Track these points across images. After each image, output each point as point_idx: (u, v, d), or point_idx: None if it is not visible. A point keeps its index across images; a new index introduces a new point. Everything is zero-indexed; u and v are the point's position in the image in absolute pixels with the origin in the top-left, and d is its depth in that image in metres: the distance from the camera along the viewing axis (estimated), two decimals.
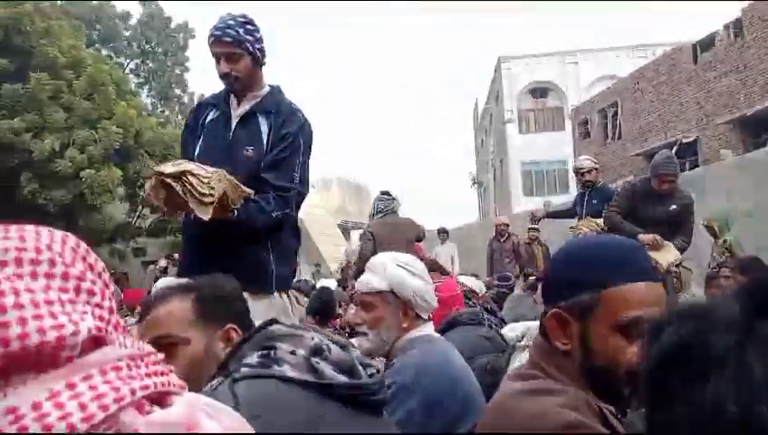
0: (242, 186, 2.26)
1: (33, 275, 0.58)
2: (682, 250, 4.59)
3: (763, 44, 14.07)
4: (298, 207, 2.59)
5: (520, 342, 1.89)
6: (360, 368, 1.23)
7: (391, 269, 1.89)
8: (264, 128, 2.48)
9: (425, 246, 7.11)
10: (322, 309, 4.31)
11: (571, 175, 24.40)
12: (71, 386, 0.55)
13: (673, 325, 0.62)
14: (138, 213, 16.64)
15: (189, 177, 2.10)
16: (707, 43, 15.64)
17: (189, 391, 1.22)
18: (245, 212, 2.30)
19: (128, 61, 22.73)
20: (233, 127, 2.51)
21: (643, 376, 0.63)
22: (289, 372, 1.15)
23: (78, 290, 0.60)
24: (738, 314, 0.57)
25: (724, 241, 6.37)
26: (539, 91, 28.95)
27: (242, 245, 2.39)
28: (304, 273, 23.58)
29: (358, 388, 1.20)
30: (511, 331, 1.98)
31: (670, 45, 19.62)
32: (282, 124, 2.47)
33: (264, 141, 2.46)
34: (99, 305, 0.62)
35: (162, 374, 0.65)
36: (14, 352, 0.53)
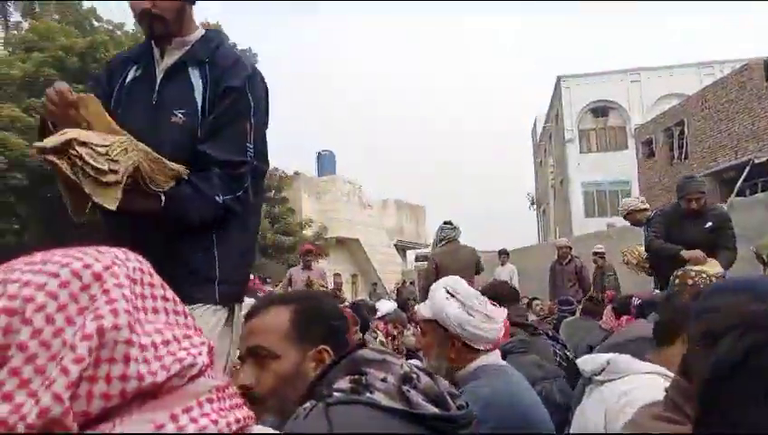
0: (167, 161, 1.68)
1: (155, 311, 0.60)
2: (730, 263, 4.59)
3: None
4: (257, 191, 1.96)
5: (597, 375, 1.72)
6: (449, 398, 1.22)
7: (437, 298, 1.92)
8: (198, 82, 1.85)
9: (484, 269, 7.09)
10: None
11: (634, 195, 23.72)
12: (173, 418, 0.56)
13: (733, 334, 0.56)
14: None
15: (78, 147, 1.44)
16: None
17: (272, 406, 1.31)
18: (176, 198, 1.69)
19: None
20: (157, 86, 1.89)
21: (697, 389, 0.58)
22: (381, 399, 1.13)
23: (187, 322, 0.64)
24: None
25: None
26: (600, 110, 28.36)
27: (173, 243, 1.77)
28: (361, 293, 23.76)
29: (449, 420, 1.17)
30: (589, 363, 1.78)
31: (738, 62, 18.93)
32: (221, 76, 1.85)
33: (199, 101, 1.83)
34: (197, 330, 0.65)
35: (242, 407, 0.66)
36: (144, 387, 0.54)
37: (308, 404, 1.14)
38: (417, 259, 25.42)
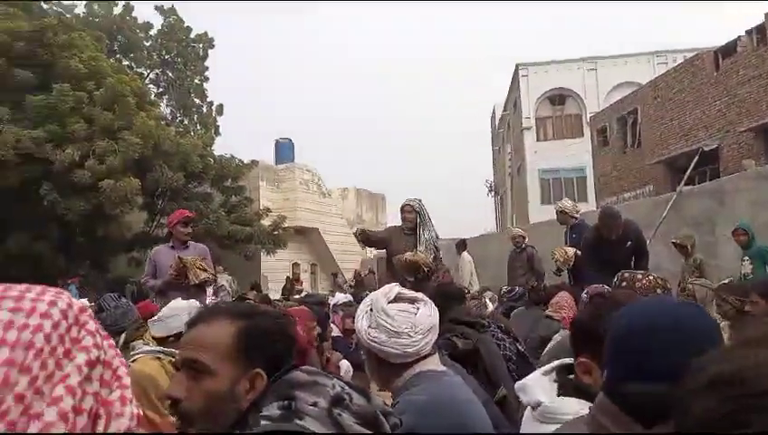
0: None
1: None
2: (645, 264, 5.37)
3: None
4: None
5: (532, 410, 1.59)
6: (383, 418, 1.19)
7: (358, 312, 1.90)
8: None
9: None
10: None
11: (590, 183, 24.25)
12: None
13: (704, 394, 0.56)
14: (155, 222, 16.78)
15: None
16: (729, 49, 15.39)
17: (201, 426, 1.23)
18: None
19: (148, 71, 22.99)
20: None
21: None
22: (310, 425, 1.11)
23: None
24: None
25: (694, 260, 6.46)
26: (557, 98, 28.75)
27: None
28: (321, 282, 23.65)
29: None
30: (524, 394, 1.63)
31: (691, 51, 19.37)
32: None
33: None
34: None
35: None
36: None
37: None
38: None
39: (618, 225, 5.47)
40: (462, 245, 10.77)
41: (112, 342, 0.57)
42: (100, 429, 0.51)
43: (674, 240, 7.01)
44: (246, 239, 16.86)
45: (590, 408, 1.17)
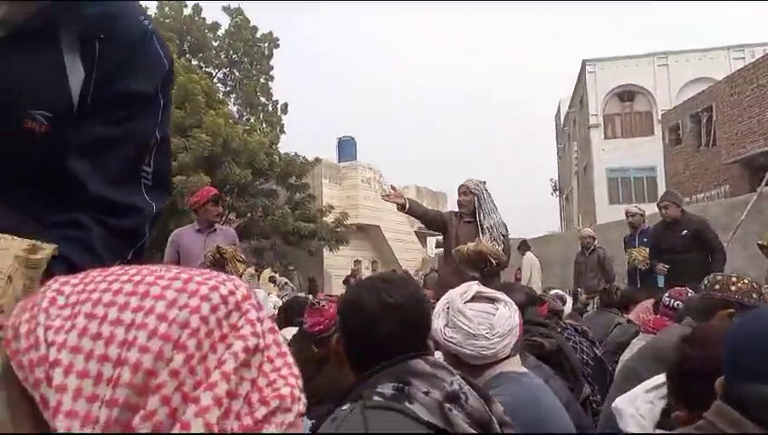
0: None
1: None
2: (720, 262, 5.51)
3: None
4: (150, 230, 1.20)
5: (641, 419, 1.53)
6: (497, 426, 1.21)
7: (436, 316, 1.83)
8: (74, 66, 1.09)
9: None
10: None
11: (660, 183, 23.37)
12: None
13: None
14: (224, 217, 17.26)
15: None
16: None
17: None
18: None
19: (216, 71, 23.65)
20: None
21: None
22: (419, 412, 1.15)
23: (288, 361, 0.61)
24: None
25: None
26: (626, 95, 27.86)
27: None
28: None
29: None
30: (619, 417, 1.57)
31: None
32: (122, 67, 1.12)
33: (74, 94, 1.10)
34: None
35: None
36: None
37: (347, 406, 1.20)
38: (437, 246, 25.37)
39: (673, 201, 5.76)
40: (524, 245, 10.57)
41: (279, 338, 0.57)
42: (258, 416, 0.51)
43: (760, 241, 6.70)
44: (310, 236, 17.12)
45: (703, 416, 1.14)
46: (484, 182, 4.99)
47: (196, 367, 0.49)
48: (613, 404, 1.59)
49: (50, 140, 1.08)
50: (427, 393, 1.17)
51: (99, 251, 1.07)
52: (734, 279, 2.50)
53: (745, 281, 2.48)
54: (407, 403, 1.16)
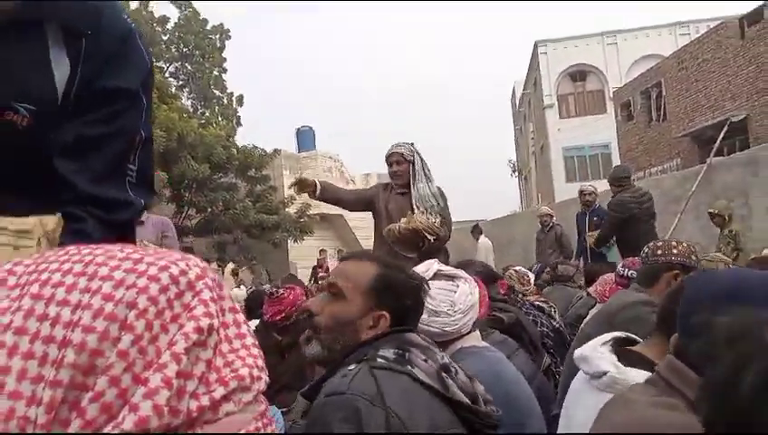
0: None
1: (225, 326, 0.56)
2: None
3: None
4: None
5: (594, 380, 1.52)
6: (482, 402, 1.31)
7: None
8: (60, 61, 1.09)
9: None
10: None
11: (615, 159, 23.89)
12: None
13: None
14: (184, 213, 16.98)
15: None
16: (755, 17, 15.01)
17: (324, 339, 1.44)
18: None
19: (167, 65, 23.14)
20: None
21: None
22: (420, 375, 1.24)
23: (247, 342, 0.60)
24: None
25: (730, 231, 6.32)
26: (578, 75, 28.33)
27: None
28: None
29: (481, 415, 1.27)
30: (586, 363, 1.58)
31: (714, 21, 18.94)
32: (110, 63, 1.13)
33: (59, 88, 1.09)
34: None
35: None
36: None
37: (353, 366, 1.27)
38: None
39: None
40: (477, 229, 10.60)
41: (240, 317, 0.57)
42: (216, 395, 0.51)
43: (711, 210, 6.88)
44: (273, 227, 16.99)
45: (656, 370, 1.20)
46: (413, 143, 4.25)
47: (147, 348, 0.48)
48: (575, 353, 1.62)
49: (32, 133, 1.08)
50: (425, 360, 1.27)
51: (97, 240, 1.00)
52: (674, 243, 2.62)
53: (684, 244, 2.60)
54: (409, 367, 1.24)
